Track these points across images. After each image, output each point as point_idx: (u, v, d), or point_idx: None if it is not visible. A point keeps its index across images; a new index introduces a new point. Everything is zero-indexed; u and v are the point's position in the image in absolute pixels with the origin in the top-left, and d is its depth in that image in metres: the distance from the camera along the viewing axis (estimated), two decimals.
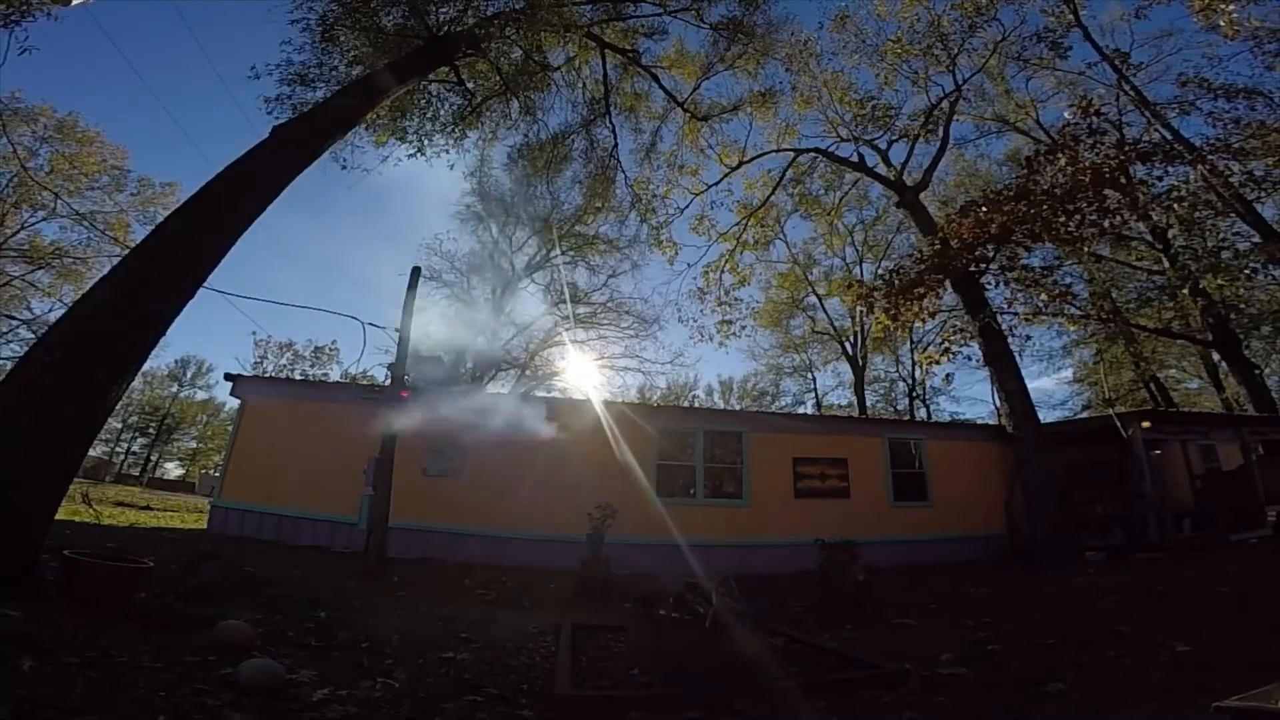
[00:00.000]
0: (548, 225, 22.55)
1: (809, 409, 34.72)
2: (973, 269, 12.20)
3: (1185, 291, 12.82)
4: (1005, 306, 12.51)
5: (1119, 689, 3.54)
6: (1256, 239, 13.41)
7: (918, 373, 29.36)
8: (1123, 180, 11.02)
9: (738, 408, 35.75)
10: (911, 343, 28.05)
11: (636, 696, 3.66)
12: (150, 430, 53.81)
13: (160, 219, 7.56)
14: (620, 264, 25.28)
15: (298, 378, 34.76)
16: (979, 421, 24.05)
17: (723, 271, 18.84)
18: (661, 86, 15.95)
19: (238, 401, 12.47)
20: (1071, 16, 15.54)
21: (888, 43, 17.14)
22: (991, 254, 11.92)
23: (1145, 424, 11.98)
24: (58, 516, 5.39)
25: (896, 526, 11.88)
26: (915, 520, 12.10)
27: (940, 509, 12.31)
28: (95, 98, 49.51)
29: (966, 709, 3.45)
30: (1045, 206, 10.72)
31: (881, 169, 18.27)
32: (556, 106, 15.13)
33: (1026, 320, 12.64)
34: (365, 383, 16.88)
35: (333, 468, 11.03)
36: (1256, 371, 17.43)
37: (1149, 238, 17.64)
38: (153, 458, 55.57)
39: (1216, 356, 20.41)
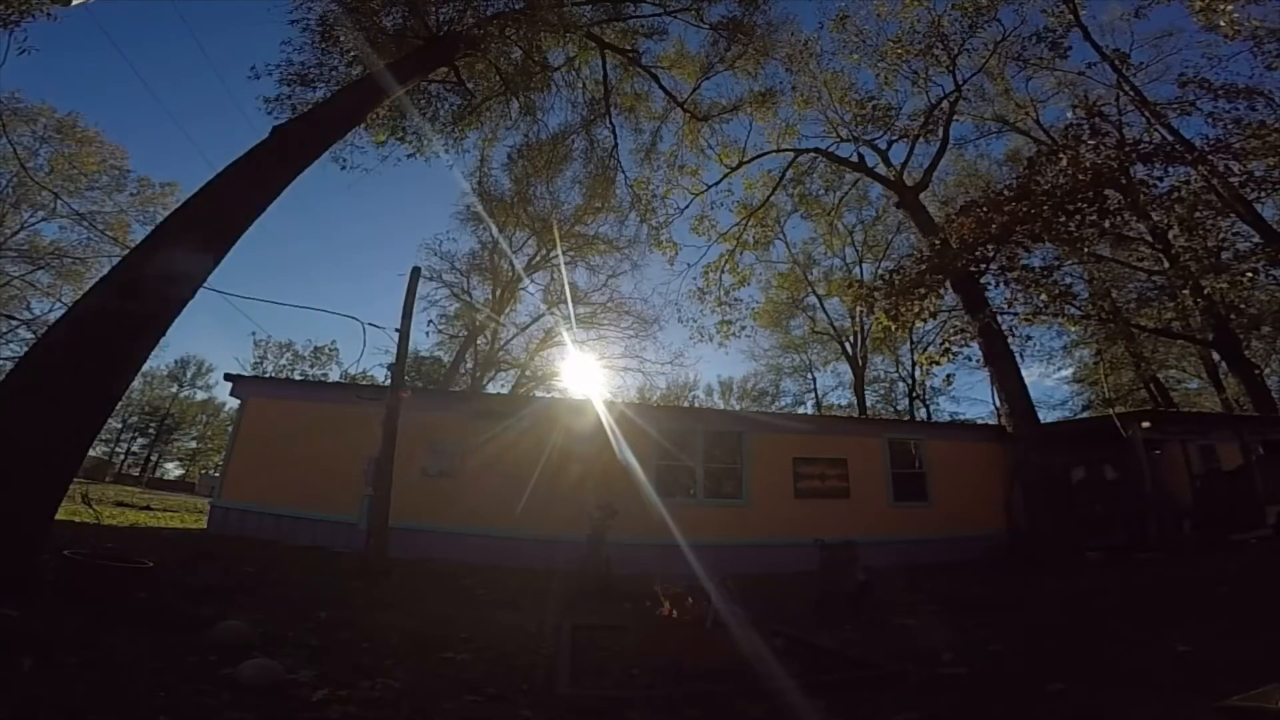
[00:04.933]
0: (548, 225, 22.57)
1: (809, 409, 34.80)
2: (973, 269, 12.18)
3: (1185, 292, 12.80)
4: (1005, 307, 12.49)
5: (1119, 689, 3.54)
6: (1256, 239, 13.40)
7: (918, 373, 29.34)
8: (1123, 181, 11.01)
9: (738, 408, 35.76)
10: (911, 343, 28.06)
11: (636, 696, 3.65)
12: (150, 430, 53.85)
13: (160, 219, 7.56)
14: (620, 264, 25.42)
15: (297, 378, 34.81)
16: (979, 421, 24.12)
17: (723, 272, 18.87)
18: (661, 87, 15.96)
19: (237, 401, 12.49)
20: (1071, 16, 15.53)
21: (888, 43, 17.12)
22: (992, 254, 11.90)
23: (1145, 424, 11.98)
24: (57, 517, 5.39)
25: (896, 526, 11.88)
26: (915, 520, 12.10)
27: (940, 509, 12.31)
28: (95, 98, 49.54)
29: (966, 709, 3.45)
30: (1046, 206, 10.71)
31: (881, 169, 18.26)
32: (556, 106, 15.17)
33: (1026, 320, 12.62)
34: (365, 383, 16.88)
35: (333, 468, 11.03)
36: (1256, 371, 17.42)
37: (1149, 238, 17.62)
38: (153, 458, 55.65)
39: (1216, 356, 20.41)
